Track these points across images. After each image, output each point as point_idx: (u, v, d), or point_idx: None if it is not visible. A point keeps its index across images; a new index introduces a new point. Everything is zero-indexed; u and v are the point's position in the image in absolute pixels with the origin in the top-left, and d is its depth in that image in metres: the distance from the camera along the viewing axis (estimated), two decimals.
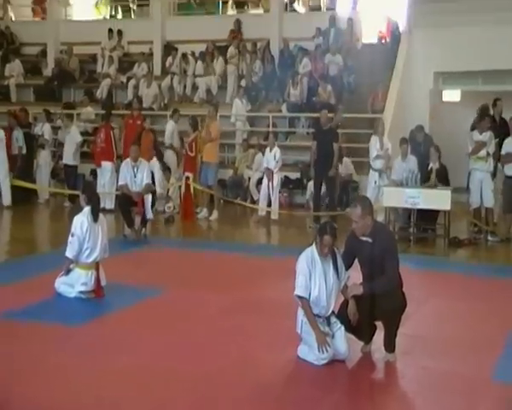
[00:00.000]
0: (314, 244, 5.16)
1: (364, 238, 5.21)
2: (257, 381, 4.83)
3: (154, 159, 12.78)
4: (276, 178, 12.52)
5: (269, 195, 12.47)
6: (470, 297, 7.33)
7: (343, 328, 5.16)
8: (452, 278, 8.27)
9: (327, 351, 4.97)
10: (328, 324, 5.18)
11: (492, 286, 7.94)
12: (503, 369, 5.16)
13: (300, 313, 5.19)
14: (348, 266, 5.34)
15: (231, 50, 16.77)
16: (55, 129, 15.58)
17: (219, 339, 5.72)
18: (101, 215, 7.02)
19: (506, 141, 10.48)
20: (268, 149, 12.61)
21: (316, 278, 5.09)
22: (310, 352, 5.09)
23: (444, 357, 5.37)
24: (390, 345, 5.20)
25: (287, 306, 6.59)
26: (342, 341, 5.12)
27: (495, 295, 7.52)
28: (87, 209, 6.88)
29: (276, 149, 12.50)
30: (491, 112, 11.70)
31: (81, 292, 6.80)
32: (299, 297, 5.11)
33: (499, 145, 10.58)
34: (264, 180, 12.53)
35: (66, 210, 13.50)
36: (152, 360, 5.19)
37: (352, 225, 5.24)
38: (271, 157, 12.43)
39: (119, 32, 18.75)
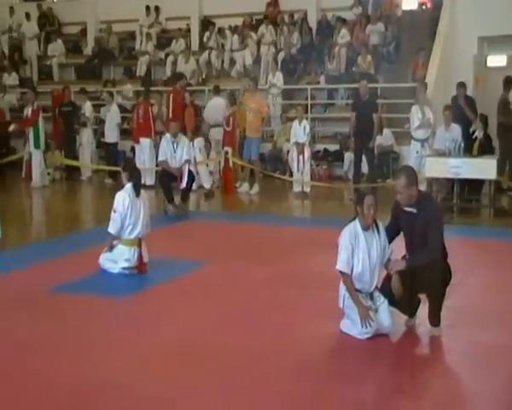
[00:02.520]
0: (357, 218, 5.06)
1: (409, 209, 5.10)
2: (301, 355, 4.80)
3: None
4: (307, 152, 12.34)
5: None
6: None
7: (386, 302, 5.07)
8: (498, 248, 8.08)
9: (370, 326, 4.90)
10: (371, 298, 5.10)
11: None
12: None
13: (342, 287, 5.12)
14: (392, 238, 5.24)
15: (262, 30, 16.52)
16: (98, 106, 15.75)
17: (262, 312, 5.70)
18: (142, 191, 7.06)
19: None
20: (297, 123, 12.32)
21: (359, 253, 5.00)
22: (353, 326, 5.03)
23: (492, 330, 5.23)
24: (434, 318, 5.09)
25: (328, 278, 6.53)
26: (386, 314, 5.04)
27: None
28: (129, 186, 6.92)
29: (306, 122, 12.31)
30: None
31: (124, 268, 6.86)
32: (341, 272, 5.04)
33: None
34: (295, 154, 12.32)
35: (107, 187, 13.69)
36: (197, 334, 5.21)
37: (396, 196, 5.13)
38: (301, 130, 12.20)
39: (157, 9, 18.73)
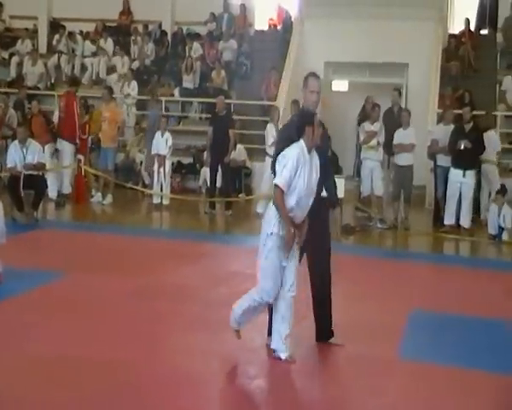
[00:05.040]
0: (302, 140, 4.82)
1: None
2: (172, 364, 4.81)
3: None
4: (168, 164, 12.29)
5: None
6: (368, 280, 7.61)
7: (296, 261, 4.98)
8: (348, 263, 8.52)
9: (290, 250, 4.79)
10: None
11: (386, 269, 8.33)
12: (408, 348, 5.38)
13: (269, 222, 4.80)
14: None
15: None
16: None
17: (128, 324, 5.61)
18: None
19: (397, 132, 10.92)
20: (159, 134, 12.24)
21: (305, 175, 4.76)
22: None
23: (351, 341, 5.45)
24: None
25: (191, 291, 6.69)
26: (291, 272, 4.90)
27: (390, 277, 7.88)
28: None
29: (168, 135, 12.22)
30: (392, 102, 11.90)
31: None
32: (277, 187, 4.74)
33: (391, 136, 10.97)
34: (156, 166, 12.28)
35: None
36: (60, 348, 5.01)
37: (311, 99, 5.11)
38: (163, 142, 12.13)
39: (0, 5, 17.77)
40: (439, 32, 14.71)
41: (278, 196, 4.76)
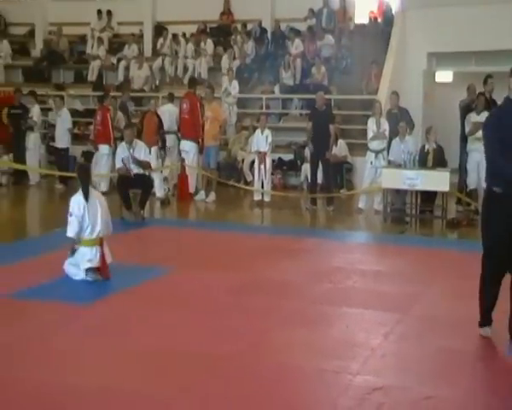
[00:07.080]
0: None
1: None
2: (276, 359, 4.84)
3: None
4: (269, 161, 12.35)
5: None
6: (474, 275, 7.34)
7: None
8: (451, 257, 8.30)
9: None
10: None
11: None
12: None
13: None
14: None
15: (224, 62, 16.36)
16: (46, 110, 15.44)
17: (232, 319, 5.70)
18: (97, 192, 7.10)
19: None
20: (259, 131, 12.31)
21: None
22: None
23: (458, 336, 5.33)
24: None
25: (291, 286, 6.75)
26: None
27: None
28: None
29: (268, 132, 12.28)
30: (482, 89, 11.58)
31: (87, 271, 6.75)
32: None
33: None
34: (256, 163, 12.41)
35: (57, 192, 13.44)
36: (165, 342, 5.16)
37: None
38: (263, 139, 12.18)
39: (109, 13, 18.58)
40: None
41: None
